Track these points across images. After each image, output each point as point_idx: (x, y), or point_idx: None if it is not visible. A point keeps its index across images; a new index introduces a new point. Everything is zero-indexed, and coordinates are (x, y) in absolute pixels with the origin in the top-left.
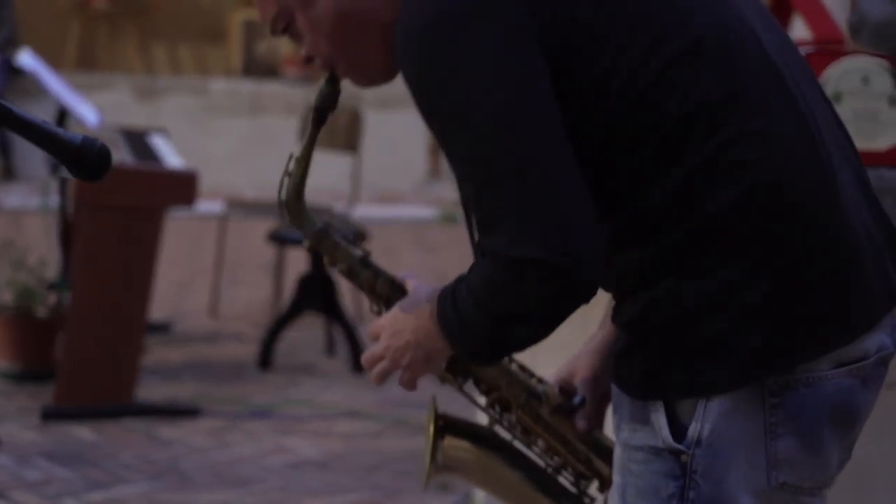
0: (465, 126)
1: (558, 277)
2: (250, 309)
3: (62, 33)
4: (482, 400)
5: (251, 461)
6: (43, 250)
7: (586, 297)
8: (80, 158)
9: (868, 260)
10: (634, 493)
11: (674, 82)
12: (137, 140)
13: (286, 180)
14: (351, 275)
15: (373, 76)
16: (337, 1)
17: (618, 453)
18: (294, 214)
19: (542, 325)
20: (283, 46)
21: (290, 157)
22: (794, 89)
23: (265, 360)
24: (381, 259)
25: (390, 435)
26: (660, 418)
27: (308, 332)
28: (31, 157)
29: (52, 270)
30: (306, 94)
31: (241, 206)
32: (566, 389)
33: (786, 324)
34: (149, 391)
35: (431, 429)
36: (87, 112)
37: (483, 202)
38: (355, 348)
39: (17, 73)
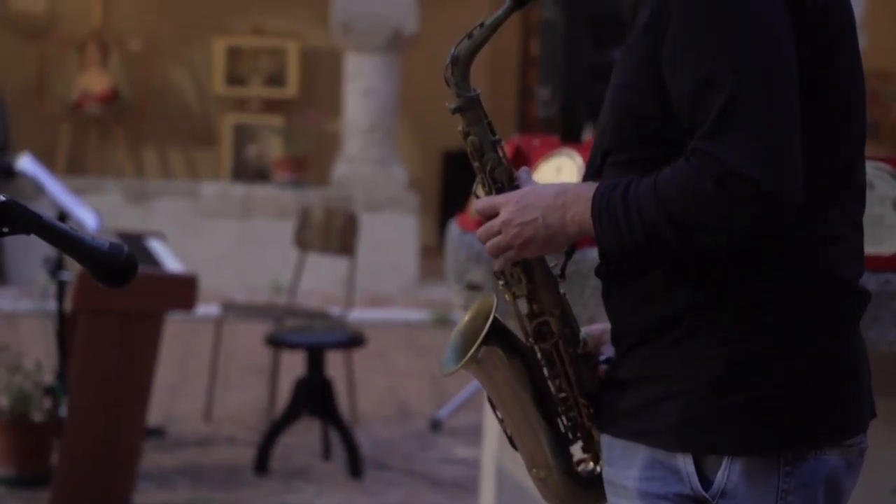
0: (744, 36)
1: (764, 201)
2: (245, 412)
3: (53, 137)
4: (525, 320)
5: None
6: (39, 353)
7: (776, 231)
8: (107, 265)
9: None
10: None
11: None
12: (135, 243)
13: (465, 40)
14: (478, 149)
15: None
16: None
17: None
18: (458, 72)
19: (724, 240)
20: (273, 149)
21: (481, 23)
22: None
23: (261, 464)
24: (373, 362)
25: None
26: (689, 466)
27: (303, 435)
28: (23, 259)
29: (49, 374)
30: (297, 197)
31: (235, 309)
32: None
33: (815, 407)
34: (143, 496)
35: (487, 326)
36: (86, 215)
37: (726, 108)
38: (352, 452)
39: (9, 176)
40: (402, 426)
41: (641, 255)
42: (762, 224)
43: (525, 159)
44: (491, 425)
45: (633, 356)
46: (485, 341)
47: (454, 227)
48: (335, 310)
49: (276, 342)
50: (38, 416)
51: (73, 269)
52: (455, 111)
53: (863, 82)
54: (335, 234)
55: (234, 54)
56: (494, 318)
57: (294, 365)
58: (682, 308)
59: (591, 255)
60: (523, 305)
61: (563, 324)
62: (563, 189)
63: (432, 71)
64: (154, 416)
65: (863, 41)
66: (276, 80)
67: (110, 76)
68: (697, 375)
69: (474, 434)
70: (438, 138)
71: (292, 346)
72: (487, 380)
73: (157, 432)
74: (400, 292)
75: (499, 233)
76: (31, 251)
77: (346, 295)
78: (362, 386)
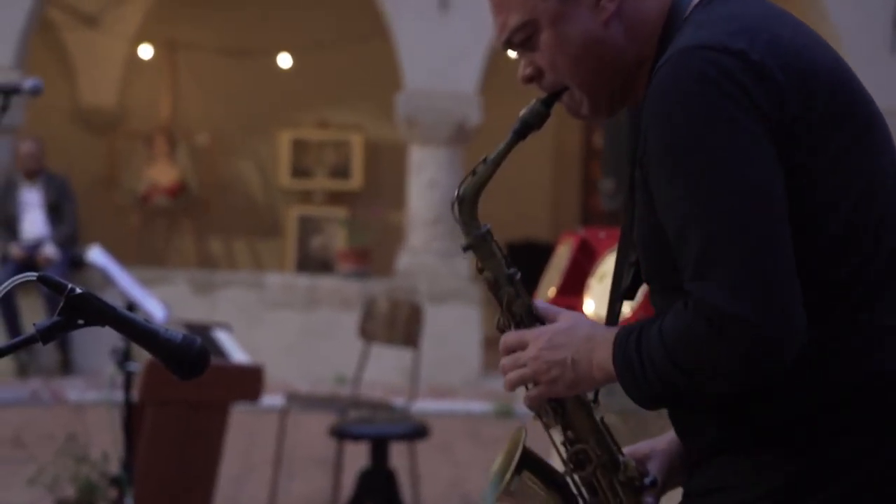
0: (711, 174)
1: (761, 343)
2: None
3: (122, 228)
4: (562, 448)
5: None
6: (106, 444)
7: (780, 369)
8: (180, 357)
9: None
10: None
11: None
12: (201, 335)
13: (469, 178)
14: (495, 286)
15: (598, 108)
16: (590, 27)
17: None
18: (465, 210)
19: (726, 384)
20: (338, 241)
21: (484, 159)
22: None
23: None
24: (436, 454)
25: None
26: None
27: None
28: (90, 350)
29: (115, 464)
30: (361, 288)
31: (299, 400)
32: (640, 467)
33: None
34: None
35: (517, 457)
36: (155, 307)
37: (705, 249)
38: None
39: (78, 266)
40: None
41: (661, 398)
42: (760, 361)
43: (591, 251)
44: None
45: (701, 472)
46: (516, 472)
47: None
48: (399, 401)
49: (340, 433)
50: None
51: (140, 360)
52: (467, 249)
53: None
54: (399, 325)
55: (299, 147)
56: (524, 448)
57: (358, 456)
58: (742, 422)
59: None
60: (558, 435)
61: (600, 450)
62: (592, 333)
63: None
64: None
65: None
66: (341, 172)
67: (178, 169)
68: (764, 483)
69: None
70: (501, 230)
71: (356, 437)
72: None
73: None
74: (463, 383)
75: (524, 366)
76: (99, 342)
77: (410, 386)
78: (426, 477)
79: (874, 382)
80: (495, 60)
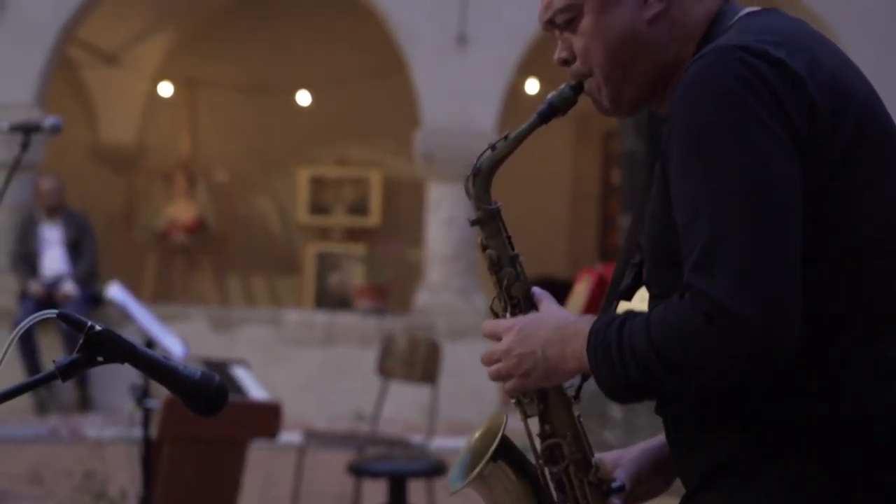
0: (730, 170)
1: (754, 340)
2: None
3: (140, 265)
4: (537, 440)
5: None
6: (124, 480)
7: (770, 371)
8: (199, 394)
9: None
10: None
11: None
12: (219, 371)
13: (488, 152)
14: (496, 264)
15: (619, 103)
16: (633, 21)
17: None
18: (479, 184)
19: (715, 381)
20: (356, 278)
21: (505, 136)
22: None
23: None
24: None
25: None
26: None
27: None
28: (109, 387)
29: (134, 501)
30: (379, 325)
31: (317, 437)
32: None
33: None
34: None
35: (496, 444)
36: (173, 344)
37: (713, 241)
38: None
39: (97, 303)
40: None
41: (637, 391)
42: (753, 364)
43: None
44: None
45: (702, 497)
46: (492, 458)
47: None
48: (417, 438)
49: (358, 470)
50: None
51: (158, 397)
52: (474, 223)
53: None
54: (417, 361)
55: (317, 184)
56: (503, 435)
57: (376, 493)
58: (738, 451)
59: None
60: (535, 425)
61: (575, 447)
62: (564, 322)
63: (514, 200)
64: None
65: None
66: (359, 209)
67: (197, 206)
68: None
69: None
70: None
71: (374, 474)
72: (493, 500)
73: None
74: (481, 420)
75: (499, 360)
76: (118, 378)
77: (428, 423)
78: None
79: (886, 415)
80: (513, 97)
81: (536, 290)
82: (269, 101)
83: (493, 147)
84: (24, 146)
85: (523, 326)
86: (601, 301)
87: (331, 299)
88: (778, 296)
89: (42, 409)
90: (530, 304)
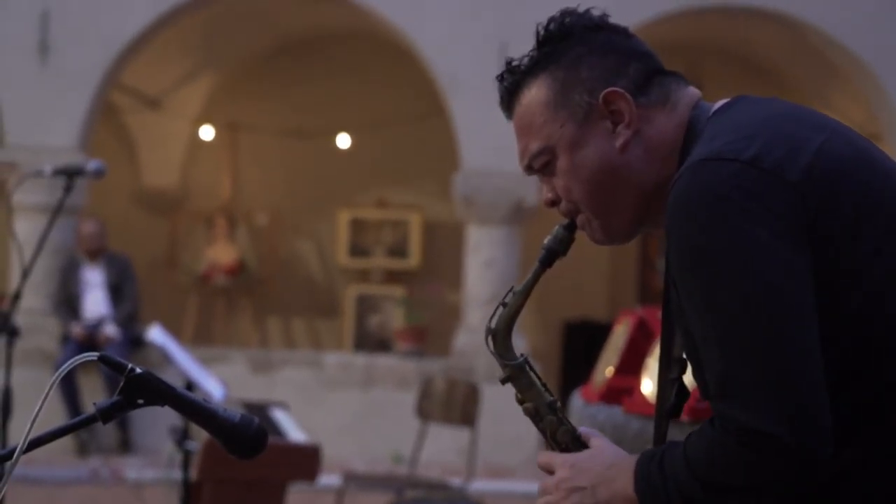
0: (727, 293)
1: (789, 457)
2: None
3: (181, 307)
4: None
5: None
6: None
7: (809, 481)
8: (238, 437)
9: None
10: None
11: None
12: (259, 414)
13: (500, 309)
14: (535, 416)
15: (612, 233)
16: (605, 153)
17: None
18: (499, 342)
19: (755, 500)
20: (395, 320)
21: (511, 290)
22: None
23: None
24: None
25: None
26: None
27: None
28: (149, 429)
29: None
30: (418, 367)
31: (356, 479)
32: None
33: None
34: None
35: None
36: (213, 386)
37: (727, 368)
38: None
39: (138, 345)
40: None
41: None
42: (797, 477)
43: (649, 330)
44: None
45: None
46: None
47: (577, 399)
48: (456, 481)
49: None
50: None
51: (198, 439)
52: (505, 381)
53: None
54: (456, 404)
55: (357, 226)
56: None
57: None
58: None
59: None
60: None
61: None
62: (615, 460)
63: None
64: None
65: None
66: (399, 251)
67: (237, 249)
68: None
69: None
70: (559, 308)
71: None
72: None
73: None
74: (521, 463)
75: (549, 493)
76: (158, 421)
77: (467, 466)
78: None
79: None
80: None
81: (583, 429)
82: (309, 145)
83: (504, 304)
84: (67, 190)
85: (578, 461)
86: (641, 344)
87: (370, 341)
88: (802, 406)
89: (83, 451)
90: (580, 445)
